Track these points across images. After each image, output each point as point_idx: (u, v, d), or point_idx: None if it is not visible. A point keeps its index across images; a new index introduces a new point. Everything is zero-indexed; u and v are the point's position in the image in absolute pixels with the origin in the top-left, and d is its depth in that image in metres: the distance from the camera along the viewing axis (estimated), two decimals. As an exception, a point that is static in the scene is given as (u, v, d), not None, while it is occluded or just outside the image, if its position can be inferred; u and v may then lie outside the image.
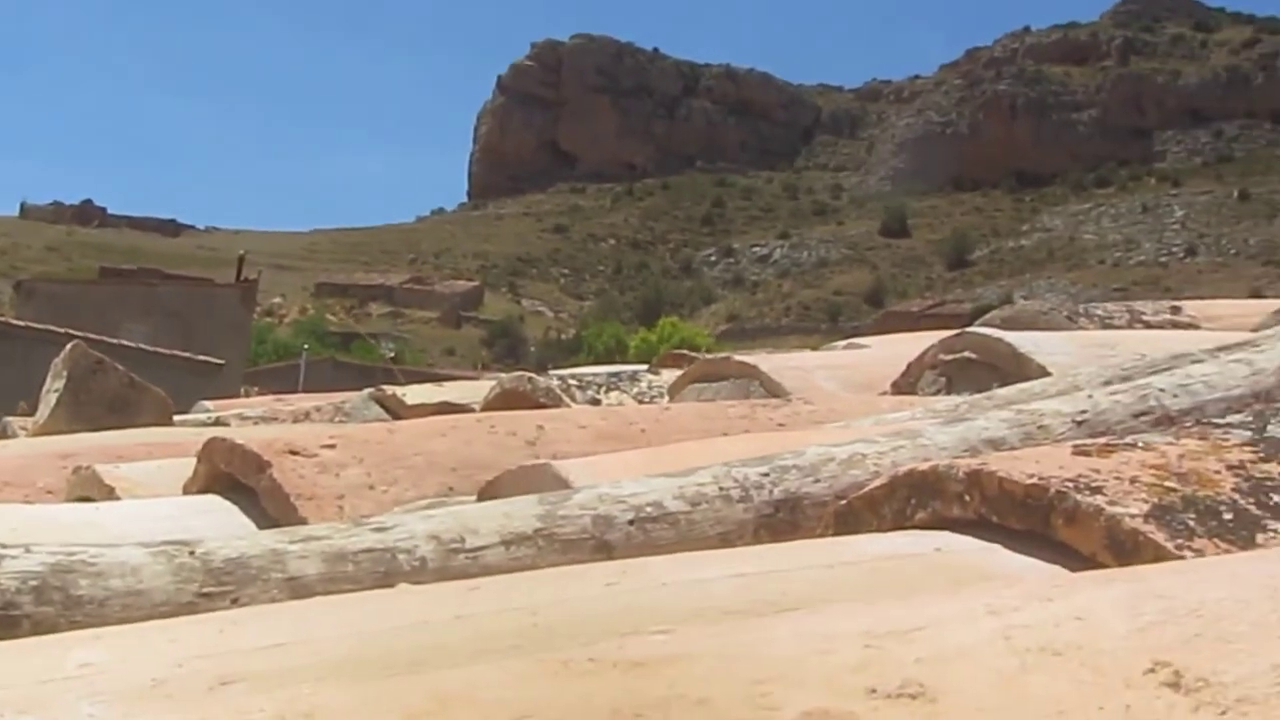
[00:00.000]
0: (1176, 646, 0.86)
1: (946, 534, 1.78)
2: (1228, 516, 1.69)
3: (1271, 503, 1.73)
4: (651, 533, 2.02)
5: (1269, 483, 1.77)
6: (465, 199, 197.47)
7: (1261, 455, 1.85)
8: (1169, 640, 0.87)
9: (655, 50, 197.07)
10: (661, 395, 5.06)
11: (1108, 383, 3.05)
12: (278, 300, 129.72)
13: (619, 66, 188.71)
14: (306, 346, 56.13)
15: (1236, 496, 1.73)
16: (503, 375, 5.77)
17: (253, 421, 6.13)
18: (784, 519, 2.11)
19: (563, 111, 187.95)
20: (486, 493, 2.59)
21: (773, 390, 4.42)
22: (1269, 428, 1.95)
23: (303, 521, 2.56)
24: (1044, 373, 3.73)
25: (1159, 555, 1.57)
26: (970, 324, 5.32)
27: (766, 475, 2.15)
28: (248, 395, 18.33)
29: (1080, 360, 3.87)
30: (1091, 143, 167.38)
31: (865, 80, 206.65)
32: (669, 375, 5.22)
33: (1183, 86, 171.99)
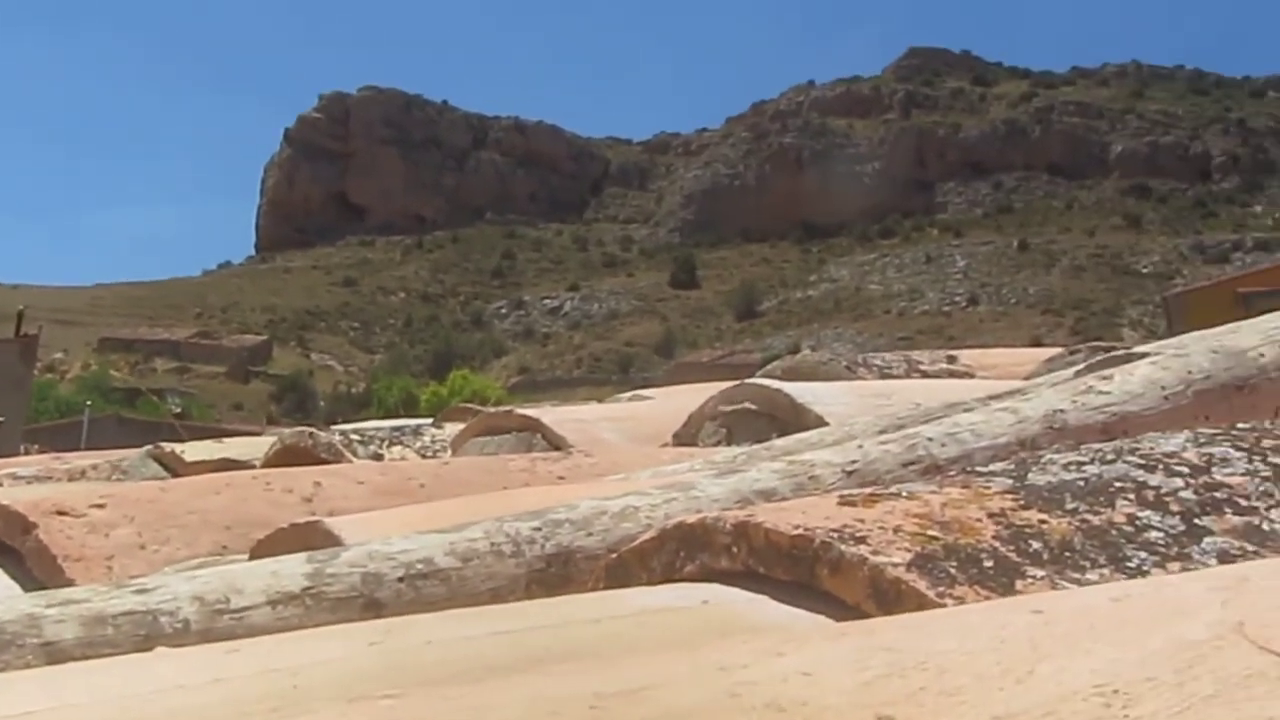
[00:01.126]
0: (900, 700, 0.87)
1: (715, 586, 1.79)
2: (988, 564, 1.71)
3: (1031, 550, 1.76)
4: (422, 590, 2.00)
5: (1028, 530, 1.80)
6: (253, 252, 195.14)
7: (1022, 503, 1.88)
8: (893, 694, 0.87)
9: (444, 102, 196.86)
10: (445, 449, 5.04)
11: (883, 432, 3.09)
12: (60, 356, 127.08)
13: (407, 118, 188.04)
14: (89, 403, 54.91)
15: (997, 544, 1.75)
16: (284, 431, 5.70)
17: (25, 481, 5.98)
18: (556, 573, 2.10)
19: (351, 164, 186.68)
20: (259, 551, 2.55)
21: (555, 443, 4.42)
22: (1030, 475, 1.99)
23: (70, 583, 2.50)
24: (821, 422, 3.77)
25: (921, 604, 1.59)
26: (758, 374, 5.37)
27: (539, 530, 2.14)
28: (28, 454, 17.90)
29: (857, 410, 3.92)
30: (876, 194, 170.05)
31: (653, 133, 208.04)
32: (453, 429, 5.20)
33: (963, 139, 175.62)
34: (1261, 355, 3.00)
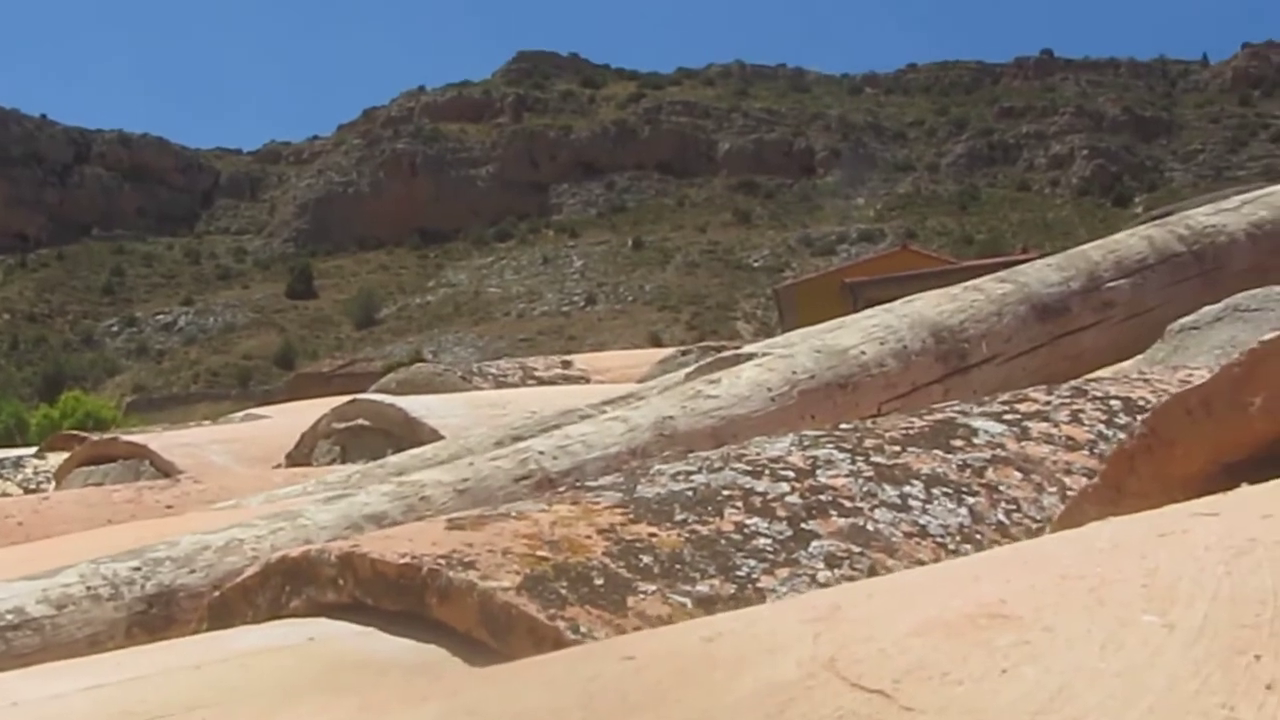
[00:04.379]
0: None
1: (322, 621, 1.73)
2: (599, 582, 1.70)
3: (641, 564, 1.75)
4: (13, 642, 1.89)
5: (639, 544, 1.79)
6: None
7: (631, 516, 1.87)
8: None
9: (43, 116, 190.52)
10: (49, 481, 4.85)
11: (499, 443, 3.07)
12: None
13: (4, 133, 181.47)
14: None
15: (607, 560, 1.74)
16: None
17: None
18: (158, 615, 2.02)
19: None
20: None
21: (164, 469, 4.29)
22: (639, 488, 1.98)
23: None
24: (436, 436, 3.73)
25: (533, 627, 1.57)
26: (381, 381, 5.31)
27: (138, 570, 2.05)
28: None
29: (473, 421, 3.89)
30: (491, 198, 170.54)
31: (264, 142, 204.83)
32: (56, 459, 5.01)
33: (574, 141, 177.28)
34: (863, 353, 3.07)
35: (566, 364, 5.52)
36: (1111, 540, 1.01)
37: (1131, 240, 3.93)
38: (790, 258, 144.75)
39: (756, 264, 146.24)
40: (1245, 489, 1.32)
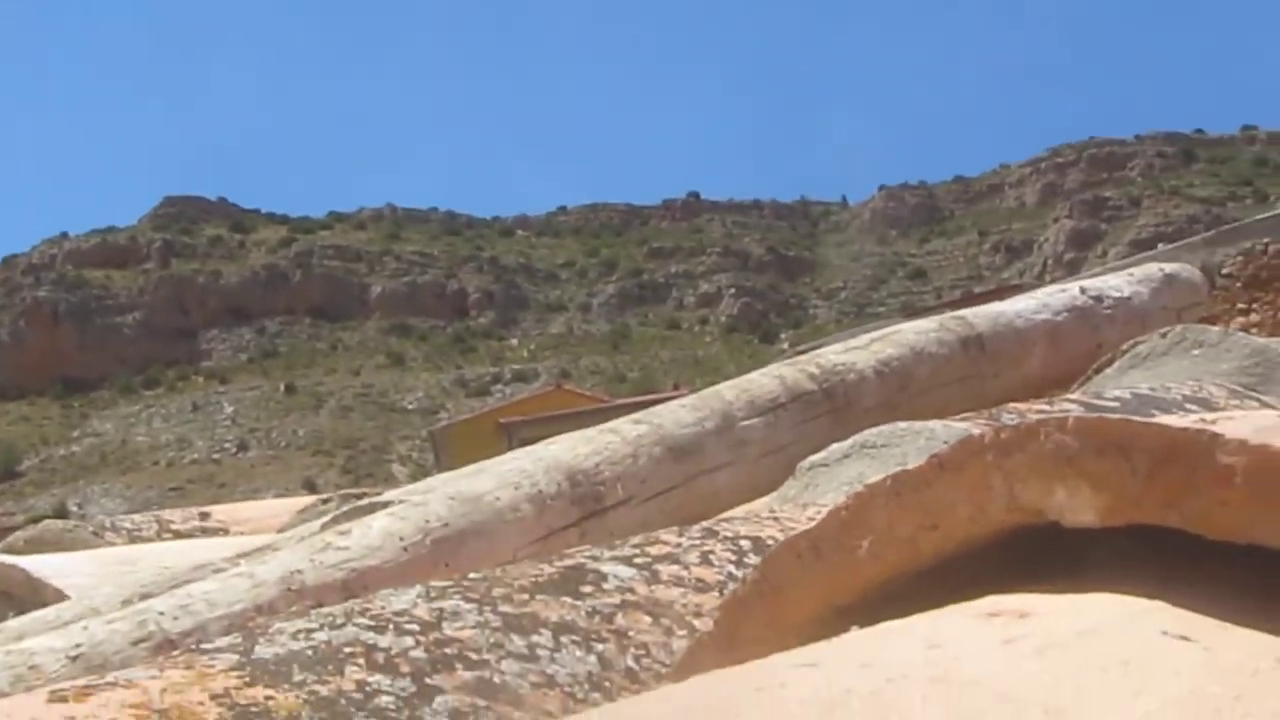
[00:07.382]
0: None
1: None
2: (210, 751, 1.63)
3: (256, 730, 1.69)
4: None
5: (254, 709, 1.73)
6: None
7: (247, 679, 1.80)
8: None
9: None
10: None
11: (127, 602, 2.96)
12: None
13: None
14: None
15: (221, 727, 1.68)
16: None
17: None
18: None
19: None
20: None
21: None
22: (257, 648, 1.91)
23: None
24: (62, 597, 3.58)
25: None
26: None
27: None
28: None
29: (102, 580, 3.75)
30: (138, 345, 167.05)
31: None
32: None
33: (224, 286, 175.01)
34: (498, 499, 3.05)
35: (204, 516, 5.38)
36: (707, 698, 1.00)
37: (764, 380, 4.00)
38: (445, 399, 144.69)
39: (411, 406, 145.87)
40: (853, 633, 1.32)
